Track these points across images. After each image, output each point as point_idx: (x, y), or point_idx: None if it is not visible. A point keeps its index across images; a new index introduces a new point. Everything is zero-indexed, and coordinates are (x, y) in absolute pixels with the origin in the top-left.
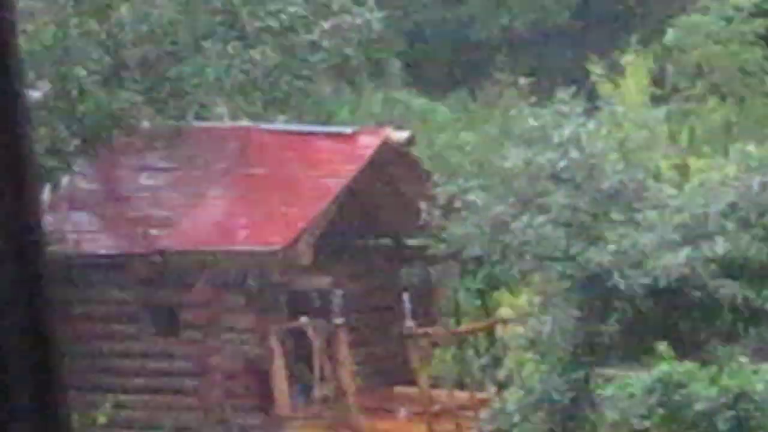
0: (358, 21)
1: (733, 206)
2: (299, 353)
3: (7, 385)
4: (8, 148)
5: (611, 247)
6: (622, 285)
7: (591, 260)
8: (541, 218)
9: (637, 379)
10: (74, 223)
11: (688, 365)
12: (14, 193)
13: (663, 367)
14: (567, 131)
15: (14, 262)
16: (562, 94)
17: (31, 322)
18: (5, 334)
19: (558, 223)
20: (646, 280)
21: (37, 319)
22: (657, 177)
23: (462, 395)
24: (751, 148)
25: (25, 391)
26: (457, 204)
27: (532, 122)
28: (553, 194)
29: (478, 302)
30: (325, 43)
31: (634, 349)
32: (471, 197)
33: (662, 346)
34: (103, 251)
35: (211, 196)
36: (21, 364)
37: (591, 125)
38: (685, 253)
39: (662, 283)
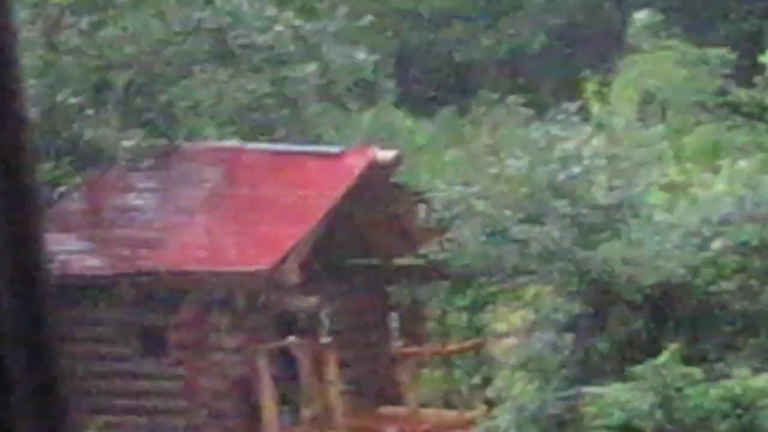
0: (348, 62)
1: (726, 219)
2: (287, 373)
3: (11, 410)
4: (15, 173)
5: (611, 254)
6: (622, 288)
7: (592, 264)
8: (543, 226)
9: (637, 381)
10: (63, 244)
11: (690, 369)
12: (19, 217)
13: (663, 363)
14: (570, 146)
15: (19, 285)
16: (561, 109)
17: (35, 344)
18: (10, 358)
19: (558, 231)
20: (650, 280)
21: (41, 341)
22: (653, 192)
23: (450, 414)
24: (742, 164)
25: (30, 415)
26: (456, 210)
27: (533, 134)
28: (552, 204)
29: (466, 321)
30: (314, 80)
31: (625, 366)
32: (470, 203)
33: (672, 348)
34: (91, 272)
35: (199, 216)
36: (26, 388)
37: (593, 141)
38: (684, 256)
39: (661, 290)
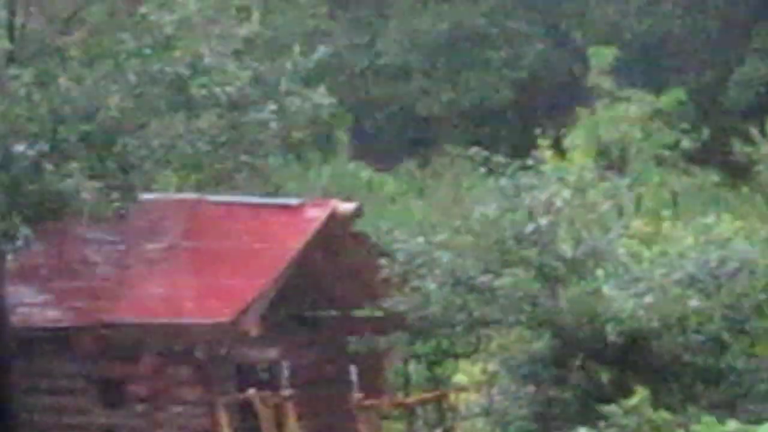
0: (307, 105)
1: (692, 277)
2: (247, 425)
3: None
4: None
5: (577, 305)
6: (586, 338)
7: (558, 313)
8: (509, 275)
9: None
10: (23, 296)
11: (661, 412)
12: None
13: (635, 405)
14: (537, 196)
15: None
16: (525, 161)
17: None
18: None
19: (524, 281)
20: (615, 331)
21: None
22: (618, 244)
23: None
24: (708, 220)
25: None
26: (418, 261)
27: (499, 184)
28: (519, 253)
29: (428, 373)
30: (273, 124)
31: (588, 416)
32: (433, 254)
33: (642, 391)
34: (51, 324)
35: (159, 268)
36: None
37: (559, 192)
38: (651, 308)
39: (625, 341)
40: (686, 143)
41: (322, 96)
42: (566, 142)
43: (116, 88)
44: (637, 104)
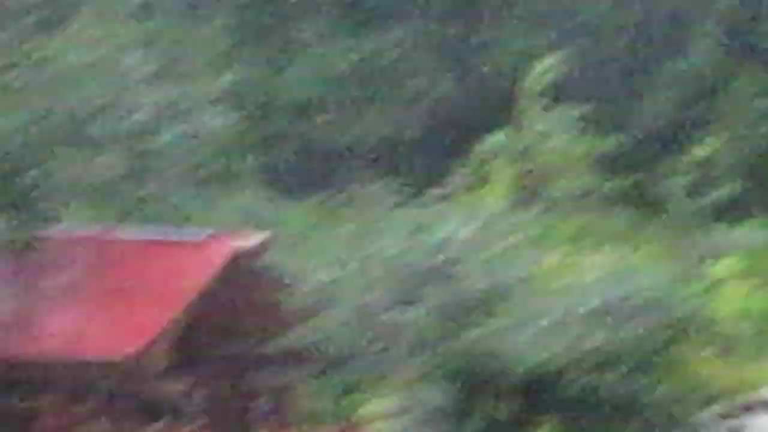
0: (210, 124)
1: (597, 312)
2: None
3: None
4: None
5: (481, 343)
6: (491, 375)
7: (462, 351)
8: (414, 310)
9: None
10: None
11: None
12: None
13: None
14: (443, 230)
15: None
16: (434, 194)
17: None
18: None
19: (430, 316)
20: (520, 369)
21: None
22: (526, 277)
23: None
24: (614, 254)
25: None
26: (324, 294)
27: (406, 219)
28: (424, 289)
29: (335, 406)
30: (176, 149)
31: None
32: (339, 287)
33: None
34: None
35: (63, 304)
36: None
37: (468, 226)
38: (556, 345)
39: (531, 378)
40: (608, 185)
41: (225, 113)
42: (483, 172)
43: (16, 123)
44: (563, 139)
